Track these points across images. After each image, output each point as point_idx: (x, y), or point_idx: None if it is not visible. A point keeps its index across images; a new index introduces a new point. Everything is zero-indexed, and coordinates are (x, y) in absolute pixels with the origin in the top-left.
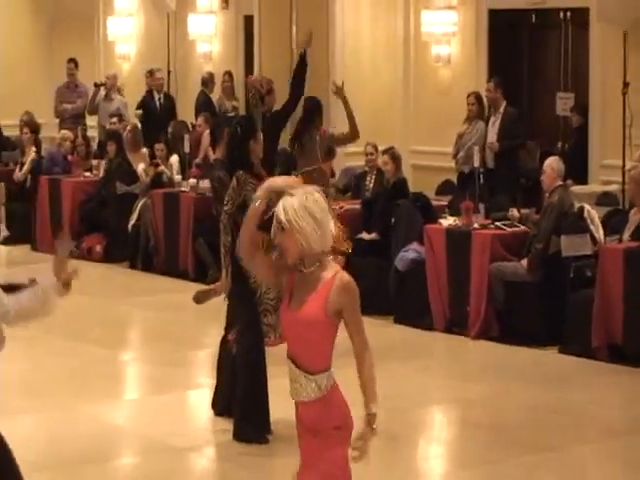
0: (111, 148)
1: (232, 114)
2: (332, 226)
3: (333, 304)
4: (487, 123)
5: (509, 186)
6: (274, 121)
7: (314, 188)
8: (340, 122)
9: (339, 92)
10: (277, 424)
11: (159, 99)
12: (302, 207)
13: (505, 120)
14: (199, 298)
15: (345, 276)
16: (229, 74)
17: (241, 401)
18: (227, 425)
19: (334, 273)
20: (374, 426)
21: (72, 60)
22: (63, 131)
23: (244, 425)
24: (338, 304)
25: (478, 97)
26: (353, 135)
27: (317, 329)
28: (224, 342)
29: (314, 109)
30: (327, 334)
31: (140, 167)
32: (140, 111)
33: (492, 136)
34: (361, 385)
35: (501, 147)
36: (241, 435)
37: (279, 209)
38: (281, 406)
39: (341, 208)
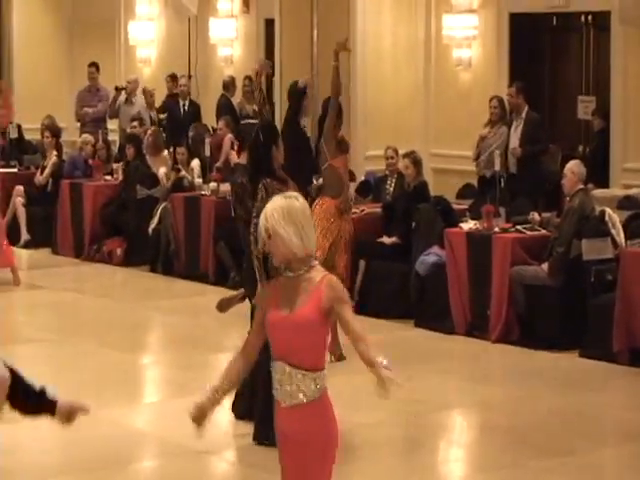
0: (130, 151)
1: (253, 120)
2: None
3: (326, 303)
4: (509, 128)
5: (531, 190)
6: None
7: (296, 194)
8: (360, 122)
9: (340, 47)
10: None
11: (184, 105)
12: (283, 213)
13: (527, 125)
14: (222, 306)
15: (333, 277)
16: (249, 78)
17: (262, 404)
18: (247, 429)
19: (323, 275)
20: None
21: (93, 64)
22: (84, 135)
23: (264, 428)
24: (330, 302)
25: (500, 101)
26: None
27: (314, 329)
28: None
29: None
30: (323, 334)
31: (161, 171)
32: (162, 115)
33: (515, 141)
34: (364, 358)
35: (524, 152)
36: (261, 438)
37: (262, 216)
38: None
39: (362, 211)
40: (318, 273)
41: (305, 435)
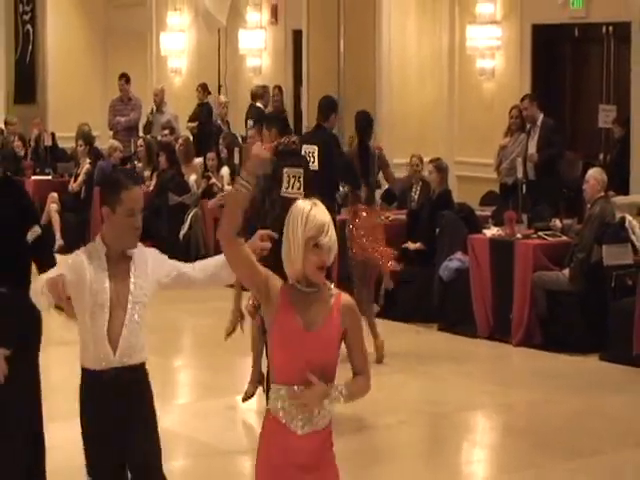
0: (162, 159)
1: None
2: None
3: (342, 325)
4: (527, 136)
5: (551, 197)
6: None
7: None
8: (386, 131)
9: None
10: None
11: (217, 122)
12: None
13: (543, 131)
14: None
15: (348, 297)
16: (279, 88)
17: None
18: None
19: (337, 293)
20: (325, 400)
21: (123, 76)
22: (111, 141)
23: None
24: (344, 324)
25: (521, 110)
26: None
27: (335, 349)
28: None
29: (367, 124)
30: (338, 355)
31: (192, 178)
32: (193, 123)
33: (532, 148)
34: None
35: (540, 157)
36: None
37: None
38: None
39: (387, 218)
40: (331, 291)
41: (318, 454)
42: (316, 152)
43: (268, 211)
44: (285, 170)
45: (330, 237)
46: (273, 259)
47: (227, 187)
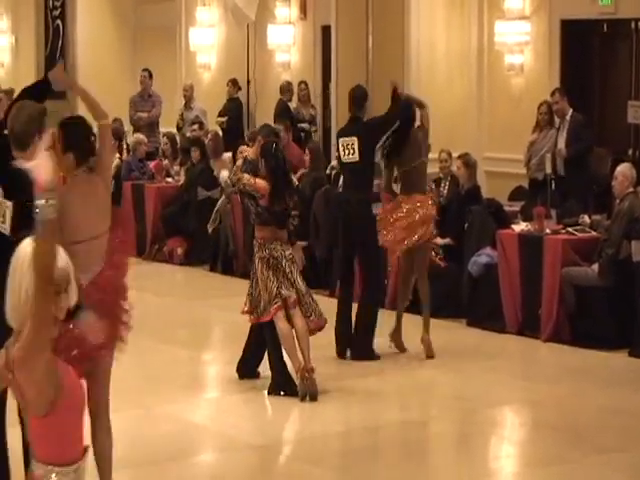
0: (195, 154)
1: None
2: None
3: None
4: (557, 131)
5: (580, 192)
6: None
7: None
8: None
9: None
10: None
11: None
12: None
13: (572, 126)
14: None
15: None
16: (305, 83)
17: (275, 359)
18: (304, 424)
19: None
20: None
21: (146, 69)
22: (135, 135)
23: (281, 380)
24: None
25: (550, 106)
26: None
27: None
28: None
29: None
30: None
31: (224, 174)
32: (223, 118)
33: (561, 143)
34: None
35: (569, 152)
36: (278, 389)
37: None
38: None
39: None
40: None
41: None
42: (356, 144)
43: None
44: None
45: None
46: None
47: (223, 174)
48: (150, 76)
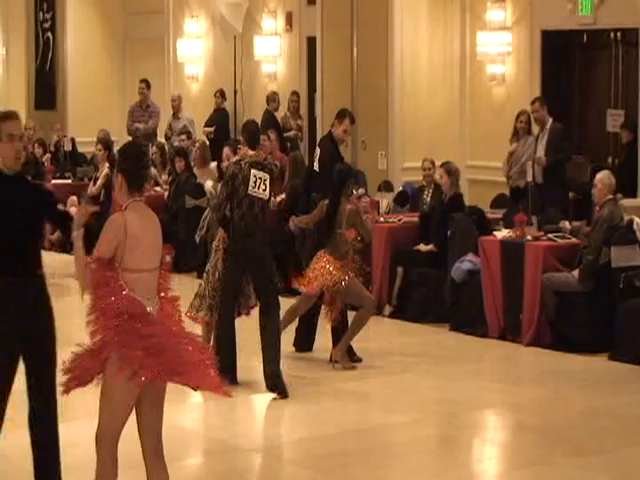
0: (180, 164)
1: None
2: None
3: None
4: (536, 140)
5: (558, 200)
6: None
7: None
8: (398, 135)
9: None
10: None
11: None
12: None
13: (552, 135)
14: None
15: None
16: (297, 94)
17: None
18: (292, 428)
19: None
20: None
21: (144, 80)
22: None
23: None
24: None
25: (529, 115)
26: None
27: None
28: None
29: (344, 178)
30: None
31: (209, 183)
32: (210, 128)
33: (540, 151)
34: None
35: (548, 161)
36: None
37: None
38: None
39: (400, 221)
40: None
41: None
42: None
43: (233, 209)
44: (253, 172)
45: None
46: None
47: (208, 183)
48: (148, 87)
